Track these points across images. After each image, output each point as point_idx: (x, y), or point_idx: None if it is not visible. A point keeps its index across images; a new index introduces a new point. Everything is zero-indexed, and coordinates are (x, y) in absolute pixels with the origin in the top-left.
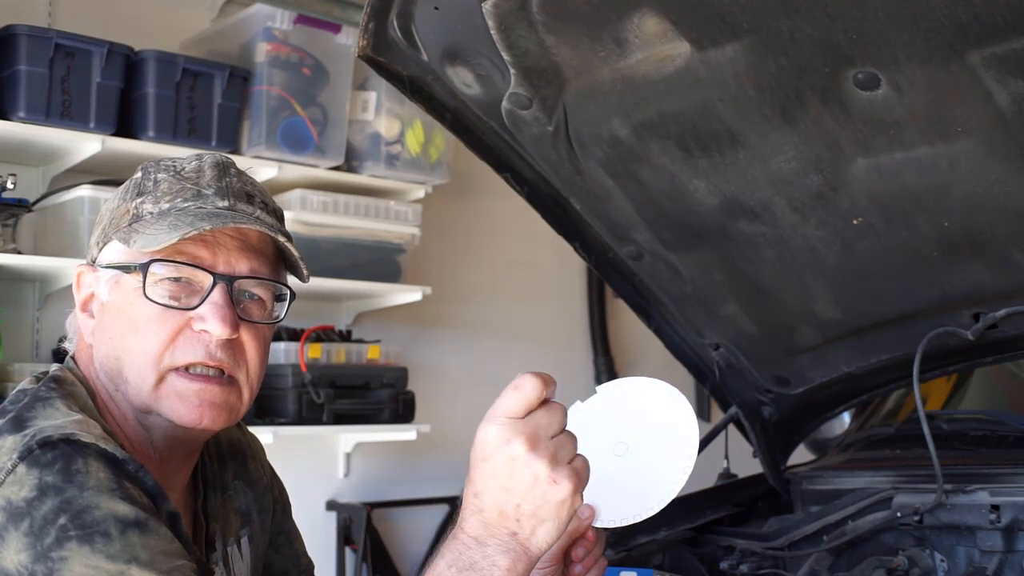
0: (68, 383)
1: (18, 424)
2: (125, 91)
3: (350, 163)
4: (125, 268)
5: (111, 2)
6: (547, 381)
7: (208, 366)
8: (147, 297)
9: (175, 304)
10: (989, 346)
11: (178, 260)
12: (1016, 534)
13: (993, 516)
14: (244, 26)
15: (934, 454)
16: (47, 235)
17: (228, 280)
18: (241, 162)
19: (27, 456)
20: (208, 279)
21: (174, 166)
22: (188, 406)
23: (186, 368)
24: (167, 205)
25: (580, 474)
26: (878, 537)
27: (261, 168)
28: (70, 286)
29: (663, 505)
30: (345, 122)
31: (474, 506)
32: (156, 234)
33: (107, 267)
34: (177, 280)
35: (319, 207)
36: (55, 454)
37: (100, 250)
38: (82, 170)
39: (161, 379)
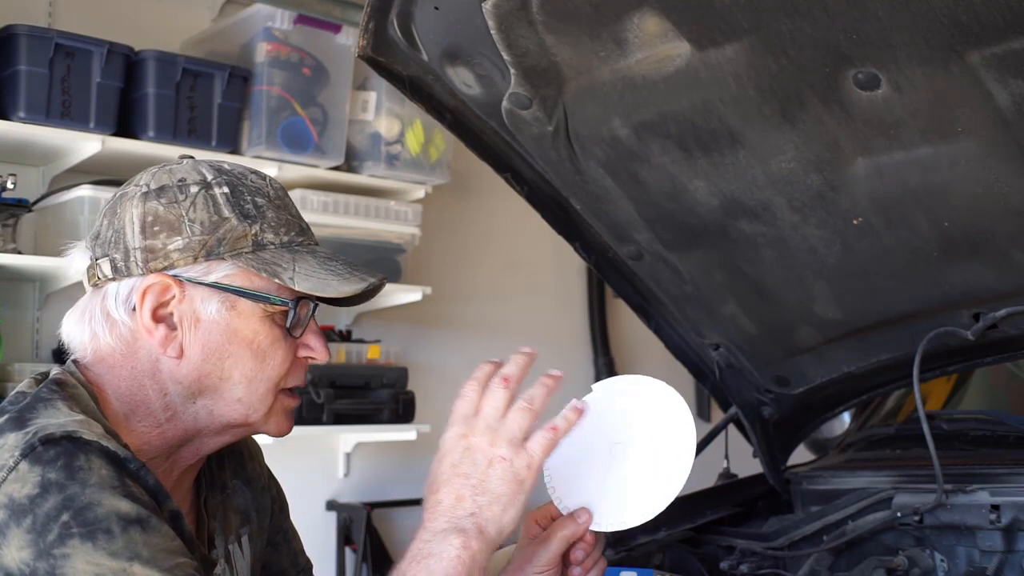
0: (70, 386)
1: (20, 422)
2: (125, 91)
3: (350, 163)
4: (262, 298)
5: (111, 2)
6: (488, 374)
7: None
8: (290, 334)
9: (292, 333)
10: (989, 346)
11: (311, 296)
12: (1016, 534)
13: (993, 516)
14: (244, 26)
15: (934, 454)
16: (47, 235)
17: (315, 306)
18: (241, 163)
19: (29, 453)
20: (308, 306)
21: (255, 186)
22: (288, 421)
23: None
24: (286, 238)
25: (533, 451)
26: (878, 537)
27: (261, 168)
28: (70, 286)
29: (661, 509)
30: (345, 122)
31: (432, 503)
32: (320, 277)
33: (228, 289)
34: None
35: (319, 207)
36: (57, 451)
37: (197, 262)
38: (82, 170)
39: (275, 400)
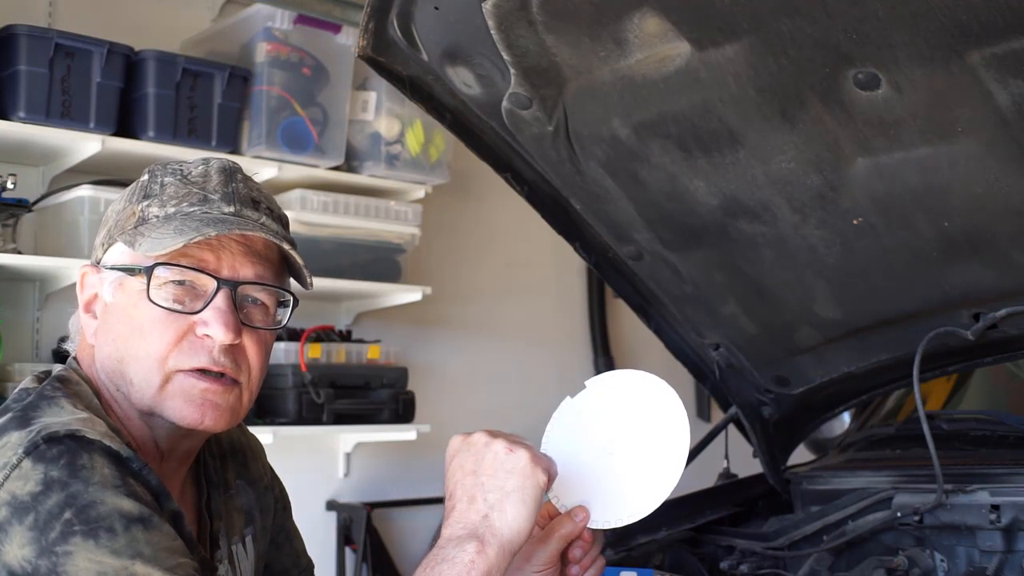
0: (73, 383)
1: (23, 421)
2: (125, 91)
3: (350, 163)
4: (130, 270)
5: (111, 2)
6: None
7: (211, 371)
8: (151, 300)
9: (179, 308)
10: (989, 346)
11: (182, 264)
12: (1016, 534)
13: (993, 516)
14: (244, 26)
15: (934, 454)
16: (47, 235)
17: (232, 285)
18: (241, 163)
19: (33, 451)
20: (212, 284)
21: (181, 170)
22: (192, 406)
23: (191, 370)
24: (173, 209)
25: (528, 445)
26: (878, 537)
27: (261, 168)
28: (70, 286)
29: (657, 504)
30: (345, 122)
31: (447, 508)
32: (161, 238)
33: (111, 268)
34: (181, 283)
35: (319, 207)
36: (60, 449)
37: (105, 251)
38: (82, 170)
39: (167, 380)
